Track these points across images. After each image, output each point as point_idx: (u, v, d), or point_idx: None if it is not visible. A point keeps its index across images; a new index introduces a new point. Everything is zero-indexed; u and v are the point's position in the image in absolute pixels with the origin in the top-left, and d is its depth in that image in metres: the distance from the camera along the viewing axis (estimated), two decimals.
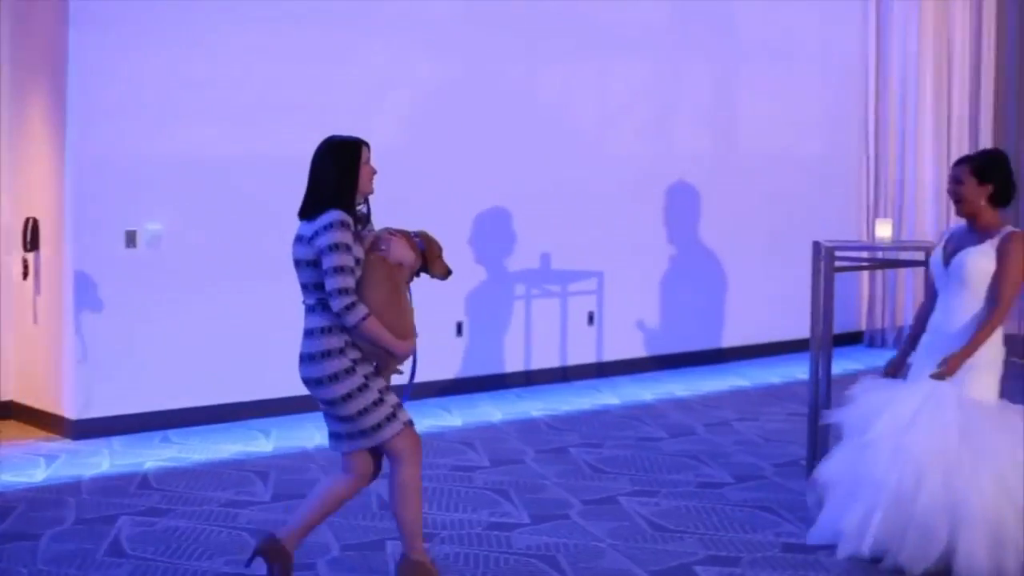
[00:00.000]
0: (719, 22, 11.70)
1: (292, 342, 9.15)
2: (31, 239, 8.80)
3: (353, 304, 5.19)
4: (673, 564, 6.00)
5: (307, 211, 5.36)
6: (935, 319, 6.00)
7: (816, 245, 7.38)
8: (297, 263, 5.37)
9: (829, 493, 6.08)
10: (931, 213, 12.88)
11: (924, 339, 6.03)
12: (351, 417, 5.36)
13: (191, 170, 8.90)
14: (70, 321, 8.56)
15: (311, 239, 5.26)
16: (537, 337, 10.64)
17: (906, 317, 12.98)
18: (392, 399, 5.46)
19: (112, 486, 7.38)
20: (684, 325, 11.50)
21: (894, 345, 12.93)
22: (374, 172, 5.48)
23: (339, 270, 5.17)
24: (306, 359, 5.39)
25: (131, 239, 8.69)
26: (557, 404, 9.85)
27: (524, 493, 7.25)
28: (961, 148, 12.56)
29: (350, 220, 5.28)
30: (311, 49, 9.35)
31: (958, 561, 5.55)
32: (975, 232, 5.91)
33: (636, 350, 11.13)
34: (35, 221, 8.80)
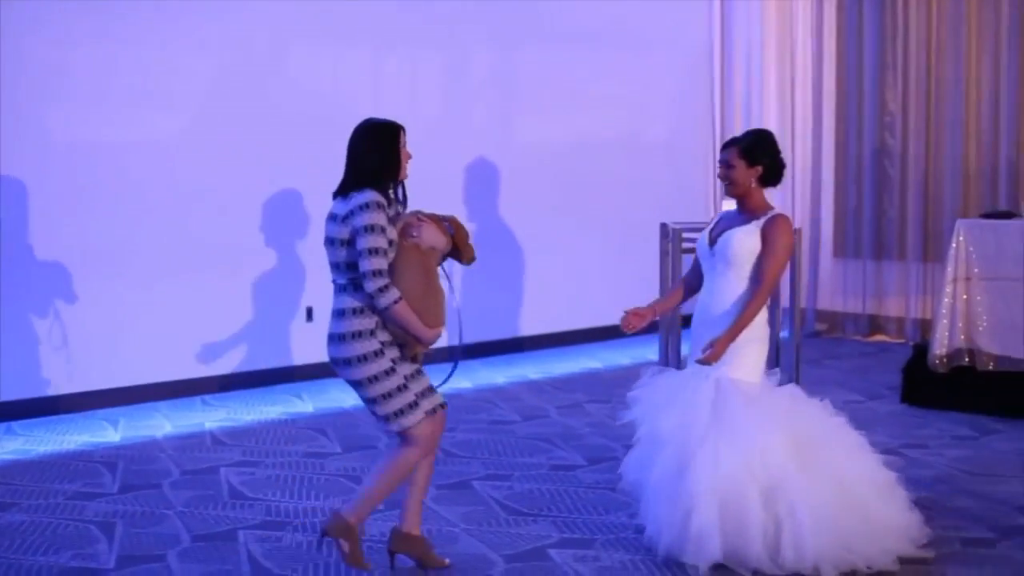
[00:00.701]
0: (564, 7, 11.73)
1: (138, 331, 9.08)
2: None
3: (387, 287, 5.21)
4: (528, 548, 6.03)
5: (343, 190, 5.38)
6: (702, 300, 5.97)
7: (664, 227, 7.48)
8: (330, 241, 5.39)
9: (638, 494, 6.04)
10: (776, 195, 13.02)
11: (694, 323, 5.97)
12: (374, 400, 5.39)
13: None
14: None
15: (345, 218, 5.28)
16: None
17: None
18: (417, 386, 5.49)
19: None
20: (535, 308, 11.53)
21: None
22: (409, 157, 5.51)
23: (373, 252, 5.19)
24: (335, 339, 5.41)
25: None
26: None
27: None
28: (805, 133, 12.79)
29: (384, 201, 5.30)
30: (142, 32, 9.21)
31: (688, 541, 5.55)
32: (743, 214, 5.89)
33: (487, 333, 11.13)
34: None
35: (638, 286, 11.34)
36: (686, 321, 11.77)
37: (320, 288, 10.00)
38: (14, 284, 8.65)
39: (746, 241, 5.77)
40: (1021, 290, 8.62)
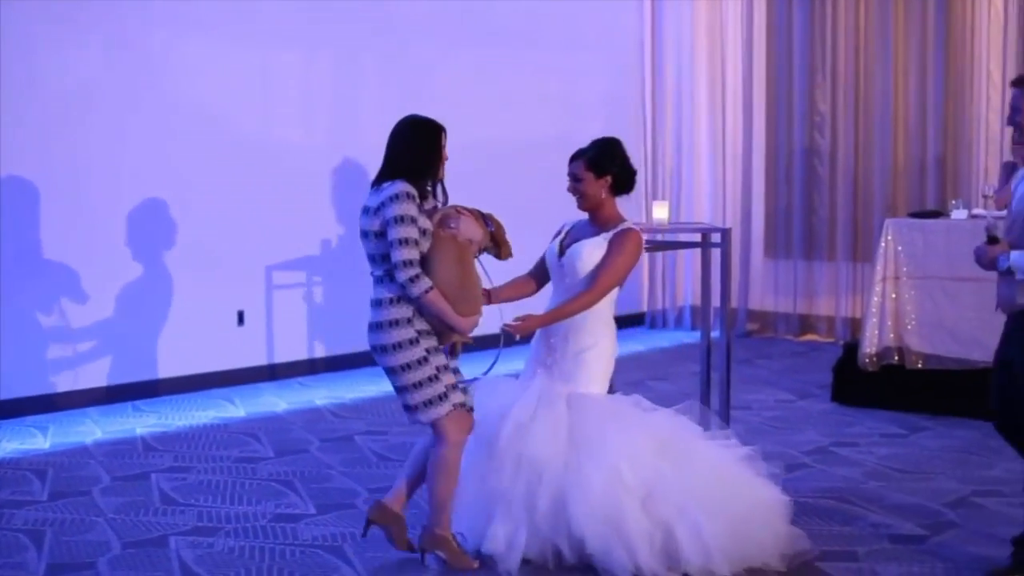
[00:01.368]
0: (496, 7, 11.74)
1: (66, 336, 8.98)
2: None
3: (417, 276, 5.30)
4: None
5: (377, 182, 5.49)
6: (549, 309, 5.84)
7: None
8: (364, 234, 5.48)
9: (462, 510, 5.79)
10: (707, 195, 13.16)
11: (538, 332, 5.87)
12: (405, 388, 5.46)
13: None
14: None
15: (376, 210, 5.37)
16: (319, 324, 10.57)
17: (686, 297, 13.26)
18: (448, 378, 5.52)
19: None
20: None
21: (675, 326, 13.21)
22: (446, 159, 5.58)
23: (404, 242, 5.28)
24: (374, 328, 5.48)
25: None
26: (342, 392, 9.80)
27: (310, 483, 7.19)
28: (735, 133, 12.87)
29: (415, 192, 5.37)
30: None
31: (594, 561, 5.45)
32: (594, 225, 5.82)
33: None
34: None
35: None
36: (622, 321, 11.83)
37: (251, 292, 9.99)
38: None
39: (595, 254, 5.69)
40: (949, 289, 8.70)
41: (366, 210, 5.47)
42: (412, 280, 5.31)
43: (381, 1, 10.82)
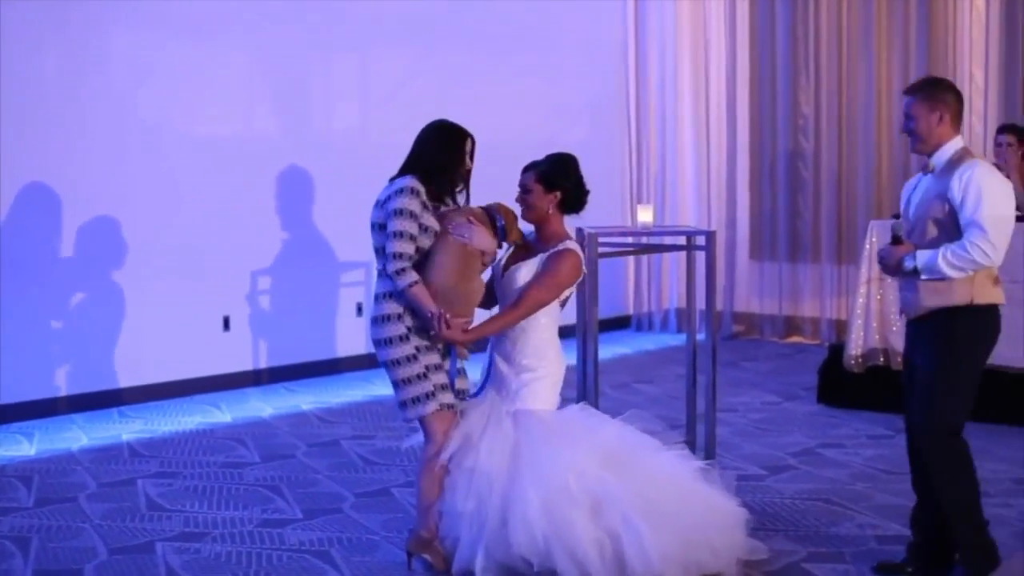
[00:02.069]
0: (480, 9, 11.75)
1: (52, 343, 8.97)
2: None
3: (404, 269, 5.38)
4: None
5: (394, 177, 5.57)
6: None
7: (579, 231, 7.46)
8: (372, 227, 5.55)
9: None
10: (692, 198, 13.18)
11: (489, 353, 5.83)
12: (395, 384, 5.52)
13: None
14: None
15: (384, 203, 5.46)
16: (306, 329, 10.56)
17: (671, 300, 13.27)
18: (438, 378, 5.54)
19: None
20: None
21: (661, 328, 13.23)
22: (470, 167, 5.69)
23: (399, 235, 5.37)
24: (372, 321, 5.59)
25: None
26: (328, 397, 9.80)
27: (296, 488, 7.19)
28: (720, 136, 12.90)
29: (421, 189, 5.44)
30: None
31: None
32: (538, 241, 5.77)
33: None
34: None
35: None
36: (608, 325, 11.85)
37: (237, 297, 9.98)
38: None
39: (530, 275, 5.65)
40: None
41: (377, 203, 5.55)
42: (399, 272, 5.37)
43: (362, 4, 10.81)
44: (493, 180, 5.95)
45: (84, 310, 9.22)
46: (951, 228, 5.25)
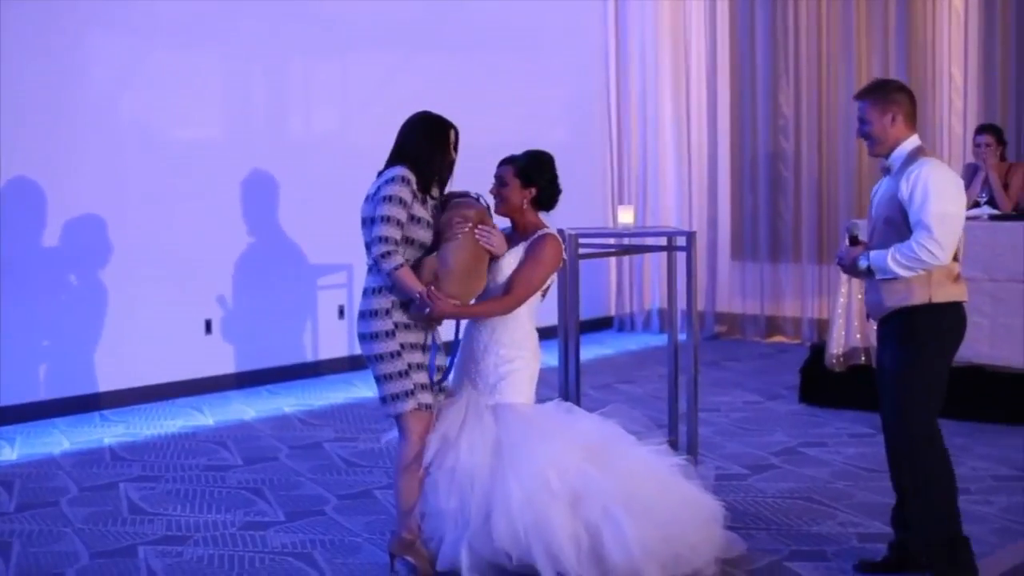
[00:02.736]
0: (459, 11, 11.75)
1: (33, 346, 8.94)
2: None
3: (389, 253, 5.36)
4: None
5: (381, 171, 5.58)
6: (470, 323, 5.83)
7: (561, 232, 7.47)
8: (363, 221, 5.54)
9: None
10: (673, 199, 13.20)
11: (463, 347, 5.83)
12: (377, 379, 5.52)
13: None
14: None
15: (373, 195, 5.46)
16: (288, 332, 10.55)
17: (653, 301, 13.28)
18: (419, 377, 5.54)
19: None
20: None
21: (643, 329, 13.24)
22: (454, 158, 5.69)
23: (385, 219, 5.37)
24: (359, 316, 5.59)
25: None
26: (310, 399, 9.79)
27: (279, 491, 7.18)
28: (701, 137, 12.92)
29: (412, 177, 5.45)
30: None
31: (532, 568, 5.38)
32: (515, 233, 5.79)
33: None
34: None
35: None
36: (590, 326, 11.85)
37: (219, 300, 9.97)
38: None
39: (514, 264, 5.66)
40: None
41: (366, 198, 5.54)
42: (384, 255, 5.36)
43: (342, 8, 10.81)
44: (474, 181, 5.94)
45: (66, 314, 9.20)
46: (903, 227, 5.26)
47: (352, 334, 10.71)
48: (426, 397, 5.55)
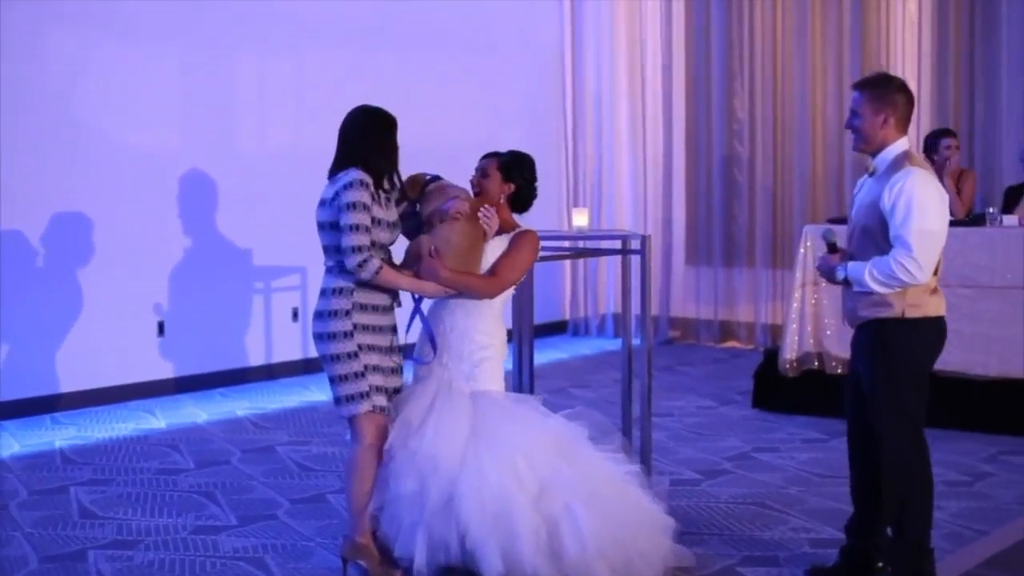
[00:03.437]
0: (414, 10, 11.72)
1: None
2: None
3: (366, 261, 5.35)
4: None
5: (332, 173, 5.53)
6: (434, 310, 5.80)
7: None
8: (320, 226, 5.51)
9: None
10: (628, 202, 13.22)
11: (421, 336, 5.80)
12: (332, 379, 5.51)
13: None
14: None
15: (332, 200, 5.41)
16: (241, 335, 10.50)
17: (608, 305, 13.29)
18: (374, 379, 5.51)
19: None
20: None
21: (597, 333, 13.25)
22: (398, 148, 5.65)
23: (354, 228, 5.33)
24: (316, 315, 5.56)
25: None
26: (263, 402, 9.75)
27: (231, 494, 7.14)
28: (656, 141, 12.95)
29: (369, 180, 5.42)
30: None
31: (476, 557, 5.39)
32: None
33: None
34: None
35: None
36: (544, 330, 11.84)
37: (171, 302, 9.91)
38: None
39: (497, 253, 5.71)
40: None
41: (322, 202, 5.49)
42: (361, 265, 5.34)
43: (296, 6, 10.78)
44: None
45: (15, 315, 9.12)
46: (881, 239, 5.17)
47: (307, 337, 10.68)
48: (380, 400, 5.54)
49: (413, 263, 5.62)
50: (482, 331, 5.70)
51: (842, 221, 9.34)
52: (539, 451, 5.54)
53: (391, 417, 5.61)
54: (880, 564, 5.47)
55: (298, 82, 11.03)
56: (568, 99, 13.38)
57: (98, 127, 9.59)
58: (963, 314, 8.22)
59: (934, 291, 5.27)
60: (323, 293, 5.54)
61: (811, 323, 9.00)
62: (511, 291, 5.86)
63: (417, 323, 5.73)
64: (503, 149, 5.99)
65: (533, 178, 5.91)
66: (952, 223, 9.31)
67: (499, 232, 5.78)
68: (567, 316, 13.54)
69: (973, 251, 8.46)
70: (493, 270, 5.68)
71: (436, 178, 5.89)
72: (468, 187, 5.86)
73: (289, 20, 10.76)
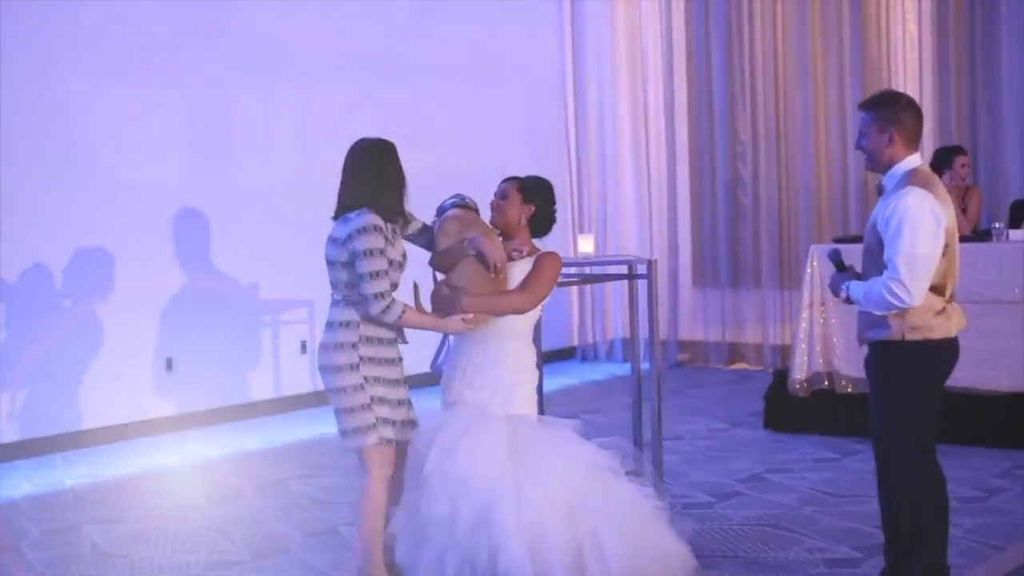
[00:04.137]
0: (416, 43, 11.76)
1: None
2: None
3: (389, 306, 5.35)
4: None
5: (340, 211, 5.51)
6: (463, 339, 5.75)
7: None
8: (330, 263, 5.50)
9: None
10: (634, 227, 13.23)
11: (455, 361, 5.77)
12: (339, 411, 5.49)
13: None
14: None
15: (344, 241, 5.38)
16: (250, 369, 10.50)
17: (616, 330, 13.29)
18: (381, 411, 5.50)
19: None
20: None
21: (606, 358, 13.24)
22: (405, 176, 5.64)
23: (374, 275, 5.32)
24: (321, 347, 5.55)
25: None
26: (273, 436, 9.74)
27: (243, 529, 7.12)
28: (660, 165, 12.97)
29: (382, 223, 5.41)
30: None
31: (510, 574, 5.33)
32: (513, 249, 5.78)
33: None
34: None
35: None
36: (554, 356, 11.82)
37: (179, 338, 9.91)
38: None
39: (523, 272, 5.68)
40: None
41: (333, 240, 5.46)
42: (384, 311, 5.33)
43: (300, 42, 10.81)
44: (432, 213, 5.93)
45: (25, 355, 9.12)
46: (880, 259, 5.09)
47: (315, 369, 10.67)
48: (388, 431, 5.52)
49: (439, 305, 5.58)
50: (514, 356, 5.67)
51: (848, 240, 9.38)
52: (572, 474, 5.53)
53: (405, 445, 5.59)
54: None
55: (302, 116, 11.06)
56: (571, 127, 13.42)
57: (104, 164, 9.61)
58: (971, 330, 8.16)
59: (941, 311, 5.14)
60: (329, 325, 5.54)
61: (820, 343, 8.98)
62: (539, 313, 5.82)
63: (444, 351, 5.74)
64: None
65: (552, 200, 5.86)
66: (959, 239, 9.35)
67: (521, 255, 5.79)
68: (576, 342, 13.54)
69: (980, 267, 8.45)
70: (524, 284, 5.65)
71: (459, 201, 5.82)
72: (488, 210, 5.83)
73: (292, 55, 10.79)
